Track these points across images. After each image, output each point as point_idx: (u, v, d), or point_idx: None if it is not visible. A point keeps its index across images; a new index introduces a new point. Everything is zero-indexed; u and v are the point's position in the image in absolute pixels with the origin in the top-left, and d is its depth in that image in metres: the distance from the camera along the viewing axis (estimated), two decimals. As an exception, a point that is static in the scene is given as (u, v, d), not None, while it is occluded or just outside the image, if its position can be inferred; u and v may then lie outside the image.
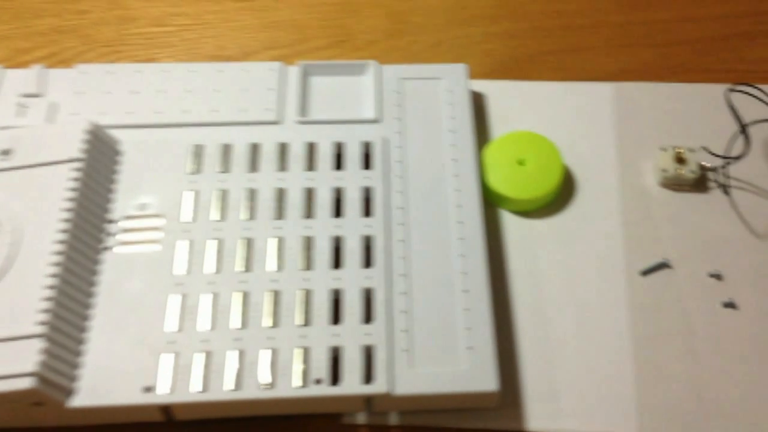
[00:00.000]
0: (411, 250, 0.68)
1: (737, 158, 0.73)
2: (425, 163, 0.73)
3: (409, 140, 0.75)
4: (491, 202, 0.76)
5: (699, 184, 0.76)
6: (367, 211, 0.70)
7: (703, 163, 0.76)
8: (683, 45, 0.85)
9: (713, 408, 0.65)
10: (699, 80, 0.82)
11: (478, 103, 0.81)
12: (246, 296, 0.65)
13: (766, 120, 0.72)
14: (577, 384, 0.65)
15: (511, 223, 0.75)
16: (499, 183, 0.74)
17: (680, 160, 0.75)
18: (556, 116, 0.81)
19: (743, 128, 0.71)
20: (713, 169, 0.76)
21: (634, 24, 0.86)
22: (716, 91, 0.76)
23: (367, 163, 0.73)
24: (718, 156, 0.73)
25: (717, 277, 0.71)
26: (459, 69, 0.80)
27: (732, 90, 0.73)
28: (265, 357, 0.62)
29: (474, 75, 0.82)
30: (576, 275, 0.71)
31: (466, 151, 0.74)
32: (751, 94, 0.74)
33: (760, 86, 0.75)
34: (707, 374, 0.66)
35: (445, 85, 0.78)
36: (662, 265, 0.72)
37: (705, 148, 0.76)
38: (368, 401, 0.62)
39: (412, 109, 0.77)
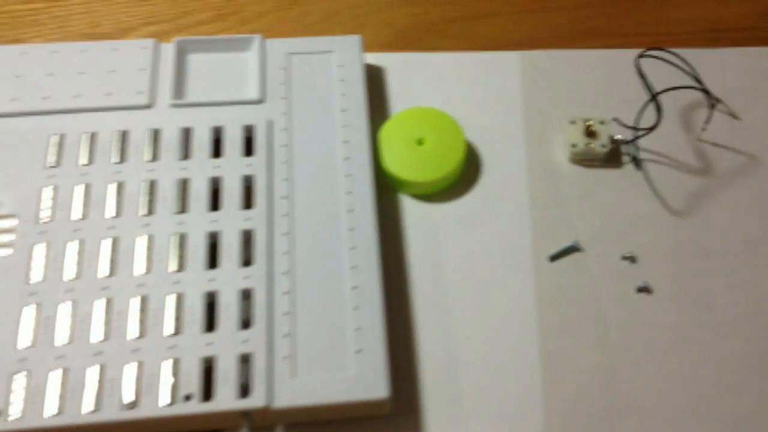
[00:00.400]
0: (296, 244, 0.62)
1: (650, 129, 0.67)
2: (313, 147, 0.67)
3: (296, 122, 0.68)
4: (390, 186, 0.69)
5: (611, 158, 0.70)
6: (248, 203, 0.64)
7: (615, 136, 0.71)
8: (596, 7, 0.79)
9: (625, 401, 0.60)
10: (613, 45, 0.77)
11: (376, 78, 0.75)
12: (109, 304, 0.58)
13: (677, 88, 0.66)
14: (479, 384, 0.60)
15: (411, 208, 0.69)
16: (395, 165, 0.68)
17: (590, 133, 0.70)
18: (460, 90, 0.74)
19: (653, 97, 0.66)
20: (626, 142, 0.70)
21: (543, -14, 0.80)
22: (629, 57, 0.70)
23: (249, 149, 0.67)
24: (630, 128, 0.68)
25: (630, 259, 0.66)
26: (352, 41, 0.73)
27: (642, 56, 0.67)
28: (129, 372, 0.55)
29: (372, 47, 0.76)
30: (480, 263, 0.66)
31: (359, 131, 0.68)
32: (663, 59, 0.69)
33: (674, 50, 0.70)
34: (619, 365, 0.61)
35: (337, 59, 0.72)
36: (572, 249, 0.66)
37: (617, 120, 0.70)
38: (248, 416, 0.56)
39: (301, 87, 0.70)
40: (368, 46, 0.76)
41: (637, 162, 0.68)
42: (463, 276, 0.65)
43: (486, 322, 0.63)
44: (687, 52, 0.71)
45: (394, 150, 0.69)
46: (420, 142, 0.69)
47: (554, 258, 0.66)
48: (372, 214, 0.63)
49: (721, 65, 0.75)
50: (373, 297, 0.60)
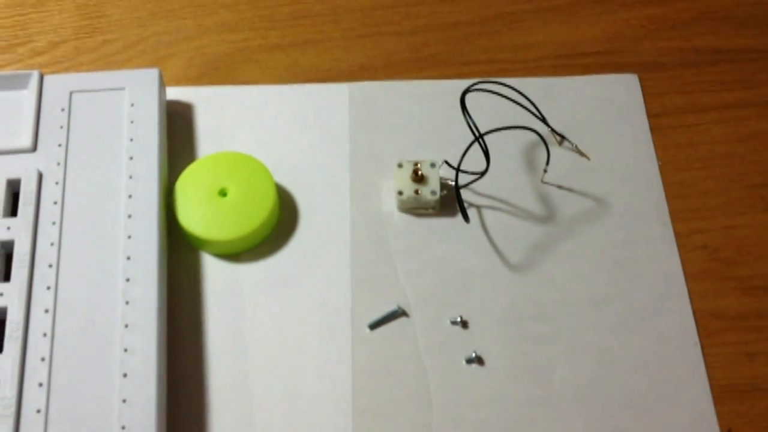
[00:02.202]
0: (57, 322, 0.52)
1: (480, 175, 0.59)
2: (91, 203, 0.57)
3: (73, 174, 0.58)
4: (190, 245, 0.60)
5: (446, 205, 0.62)
6: (7, 274, 0.53)
7: (447, 180, 0.62)
8: (435, 32, 0.71)
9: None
10: (452, 75, 0.68)
11: (182, 117, 0.65)
12: None
13: (504, 128, 0.58)
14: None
15: (213, 270, 0.59)
16: (192, 222, 0.58)
17: (419, 178, 0.61)
18: (278, 128, 0.66)
19: (477, 139, 0.57)
20: (457, 189, 0.61)
21: (377, 8, 0.71)
22: (462, 87, 0.61)
23: (14, 208, 0.56)
24: (457, 171, 0.59)
25: (461, 324, 0.57)
26: (150, 75, 0.63)
27: (470, 90, 0.59)
28: None
29: (180, 80, 0.66)
30: (291, 333, 0.57)
31: (148, 183, 0.58)
32: (496, 93, 0.61)
33: (513, 79, 0.62)
34: (443, 454, 0.52)
35: (130, 97, 0.62)
36: (395, 314, 0.58)
37: (447, 162, 0.62)
38: None
39: (82, 131, 0.60)
40: (176, 79, 0.66)
41: (464, 213, 0.60)
42: (271, 349, 0.56)
43: (294, 404, 0.55)
44: (532, 82, 0.63)
45: (192, 203, 0.59)
46: (223, 193, 0.60)
47: (375, 325, 0.57)
48: (155, 283, 0.54)
49: (570, 95, 0.67)
50: (149, 385, 0.51)
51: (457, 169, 0.59)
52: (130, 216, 0.57)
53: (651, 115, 0.67)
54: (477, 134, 0.57)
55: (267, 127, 0.66)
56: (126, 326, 0.53)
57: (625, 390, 0.55)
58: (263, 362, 0.56)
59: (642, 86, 0.68)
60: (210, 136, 0.65)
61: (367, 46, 0.71)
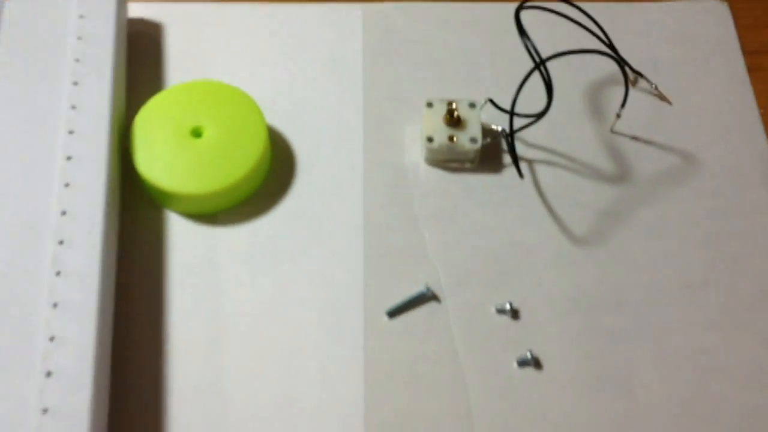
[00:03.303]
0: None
1: (538, 117, 0.44)
2: (20, 138, 0.43)
3: (-3, 100, 0.43)
4: (152, 201, 0.45)
5: (486, 159, 0.47)
6: None
7: (490, 125, 0.47)
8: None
9: None
10: None
11: (149, 39, 0.52)
12: None
13: (575, 52, 0.43)
14: None
15: (183, 234, 0.45)
16: (154, 170, 0.44)
17: (455, 121, 0.46)
18: (273, 58, 0.52)
19: (538, 65, 0.42)
20: (506, 135, 0.46)
21: None
22: (507, 12, 0.45)
23: None
24: (509, 113, 0.44)
25: (510, 313, 0.42)
26: (105, -19, 0.48)
27: (524, 7, 0.44)
28: None
29: None
30: (286, 321, 0.43)
31: (97, 117, 0.44)
32: (557, 13, 0.46)
33: (575, 3, 0.47)
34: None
35: (78, 6, 0.47)
36: (422, 298, 0.43)
37: (492, 102, 0.47)
38: None
39: (14, 47, 0.47)
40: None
41: (518, 166, 0.45)
42: (257, 343, 0.42)
43: (286, 419, 0.41)
44: (597, 7, 0.48)
45: (155, 145, 0.44)
46: (196, 134, 0.45)
47: (395, 312, 0.42)
48: (98, 249, 0.41)
49: (645, 25, 0.53)
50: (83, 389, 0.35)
51: (513, 106, 0.44)
52: (69, 158, 0.42)
53: (747, 53, 0.52)
54: (538, 59, 0.42)
55: (258, 56, 0.51)
56: (54, 305, 0.38)
57: (731, 405, 0.40)
58: (246, 361, 0.41)
59: (734, 17, 0.53)
60: (183, 63, 0.51)
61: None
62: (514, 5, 0.44)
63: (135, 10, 0.52)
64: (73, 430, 0.36)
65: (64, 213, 0.41)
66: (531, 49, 0.43)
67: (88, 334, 0.38)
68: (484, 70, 0.51)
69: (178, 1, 0.54)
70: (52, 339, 0.38)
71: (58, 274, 0.40)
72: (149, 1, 0.53)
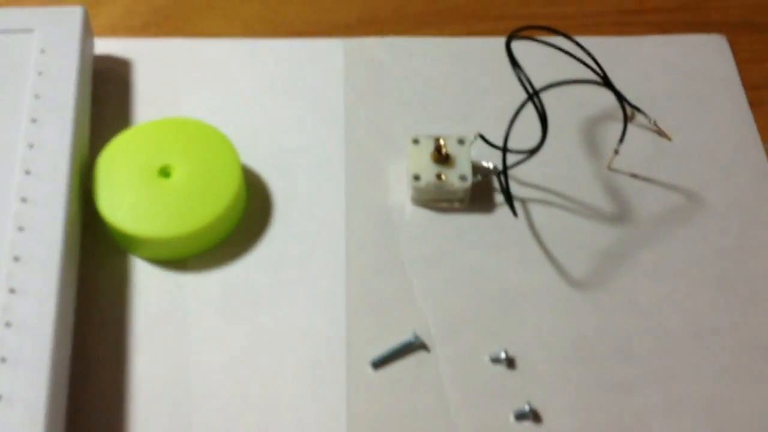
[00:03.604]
0: None
1: (531, 153, 0.41)
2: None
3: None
4: (117, 246, 0.41)
5: (478, 197, 0.43)
6: None
7: (481, 162, 0.44)
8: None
9: None
10: (483, 32, 0.50)
11: (117, 77, 0.48)
12: None
13: (569, 82, 0.40)
14: None
15: (149, 282, 0.41)
16: (118, 213, 0.40)
17: (443, 158, 0.43)
18: (248, 94, 0.49)
19: (531, 97, 0.39)
20: (498, 173, 0.43)
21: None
22: (497, 45, 0.43)
23: None
24: (503, 148, 0.41)
25: (506, 362, 0.39)
26: (69, 15, 0.47)
27: (515, 37, 0.41)
28: None
29: (116, 30, 0.48)
30: (260, 374, 0.40)
31: (56, 156, 0.41)
32: (551, 45, 0.44)
33: (542, 38, 0.44)
34: None
35: (39, 41, 0.44)
36: (409, 347, 0.39)
37: (482, 137, 0.43)
38: None
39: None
40: (111, 28, 0.49)
41: (511, 203, 0.42)
42: (229, 397, 0.38)
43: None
44: (591, 41, 0.45)
45: (119, 186, 0.41)
46: (165, 173, 0.41)
47: (380, 363, 0.39)
48: (52, 300, 0.38)
49: (641, 59, 0.50)
50: None
51: (506, 140, 0.41)
52: (24, 200, 0.38)
53: (748, 87, 0.49)
54: (531, 90, 0.39)
55: (232, 93, 0.48)
56: (3, 360, 0.34)
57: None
58: (216, 421, 0.37)
59: (733, 51, 0.50)
60: (154, 102, 0.47)
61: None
62: (503, 40, 0.41)
63: (102, 47, 0.49)
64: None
65: (16, 259, 0.38)
66: (524, 80, 0.40)
67: (40, 394, 0.34)
68: (473, 106, 0.48)
69: (149, 37, 0.51)
70: (-2, 397, 0.34)
71: (7, 325, 0.36)
72: (117, 37, 0.50)
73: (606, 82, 0.43)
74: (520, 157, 0.43)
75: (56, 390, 0.35)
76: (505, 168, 0.42)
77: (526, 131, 0.41)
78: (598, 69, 0.44)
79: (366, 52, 0.50)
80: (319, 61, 0.50)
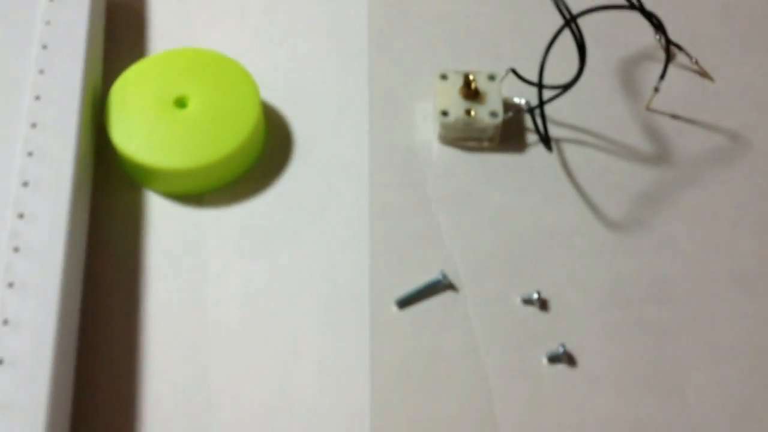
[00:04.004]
0: None
1: (566, 87, 0.39)
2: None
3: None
4: (129, 179, 0.39)
5: (508, 136, 0.42)
6: None
7: (512, 98, 0.42)
8: None
9: None
10: None
11: (132, 12, 0.46)
12: None
13: (610, 7, 0.37)
14: None
15: (164, 216, 0.40)
16: (131, 143, 0.38)
17: (473, 93, 0.41)
18: (268, 29, 0.47)
19: (568, 22, 0.37)
20: (531, 109, 0.41)
21: None
22: None
23: None
24: (536, 85, 0.38)
25: (538, 303, 0.36)
26: (85, -57, 0.43)
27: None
28: None
29: None
30: (280, 313, 0.38)
31: (67, 82, 0.39)
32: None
33: None
34: None
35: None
36: (436, 287, 0.37)
37: (515, 72, 0.41)
38: None
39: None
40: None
41: (548, 141, 0.40)
42: (247, 337, 0.35)
43: (280, 424, 0.34)
44: None
45: (133, 116, 0.39)
46: (181, 104, 0.39)
47: (406, 302, 0.37)
48: (62, 229, 0.37)
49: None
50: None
51: (542, 68, 0.38)
52: (34, 125, 0.36)
53: (794, 28, 0.46)
54: (568, 16, 0.37)
55: (252, 27, 0.46)
56: (10, 285, 0.32)
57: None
58: (234, 360, 0.36)
59: (777, -9, 0.48)
60: (170, 35, 0.46)
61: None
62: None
63: (118, -19, 0.47)
64: (28, 426, 0.30)
65: (25, 184, 0.36)
66: (560, 4, 0.37)
67: (48, 319, 0.32)
68: (503, 44, 0.46)
69: (166, -27, 0.48)
70: (5, 323, 0.32)
71: (16, 250, 0.34)
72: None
73: (646, 12, 0.40)
74: (554, 93, 0.41)
75: (66, 317, 0.33)
76: (541, 99, 0.40)
77: (562, 67, 0.39)
78: (638, 3, 0.42)
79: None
80: (343, -1, 0.48)
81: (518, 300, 0.38)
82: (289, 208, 0.40)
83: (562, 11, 0.38)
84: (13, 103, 0.38)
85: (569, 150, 0.42)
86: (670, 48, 0.42)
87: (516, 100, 0.43)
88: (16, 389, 0.31)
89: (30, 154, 0.37)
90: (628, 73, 0.45)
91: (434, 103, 0.42)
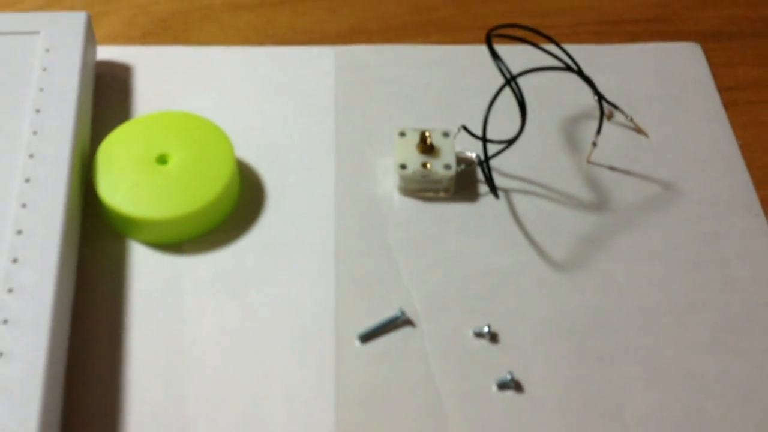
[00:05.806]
0: None
1: (511, 142, 0.43)
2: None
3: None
4: (115, 230, 0.43)
5: (462, 187, 0.45)
6: None
7: (466, 153, 0.46)
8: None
9: None
10: (464, 41, 0.53)
11: (117, 80, 0.51)
12: None
13: (546, 68, 0.42)
14: None
15: (146, 264, 0.43)
16: (116, 196, 0.42)
17: (428, 148, 0.45)
18: (243, 94, 0.51)
19: (508, 81, 0.42)
20: (480, 162, 0.45)
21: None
22: (483, 54, 0.45)
23: None
24: (483, 140, 0.43)
25: (489, 336, 0.40)
26: (73, 20, 0.49)
27: (495, 33, 0.44)
28: None
29: (119, 38, 0.51)
30: (252, 349, 0.41)
31: (59, 142, 0.42)
32: (527, 41, 0.45)
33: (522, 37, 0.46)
34: None
35: (45, 41, 0.46)
36: (395, 322, 0.40)
37: (466, 129, 0.46)
38: None
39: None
40: (112, 38, 0.51)
41: (494, 189, 0.44)
42: (221, 372, 0.39)
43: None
44: (570, 49, 0.47)
45: (118, 172, 0.43)
46: (162, 161, 0.43)
47: (368, 337, 0.40)
48: (52, 276, 0.39)
49: (619, 65, 0.53)
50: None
51: (485, 121, 0.43)
52: (27, 180, 0.40)
53: (722, 89, 0.51)
54: (509, 76, 0.41)
55: (228, 92, 0.50)
56: (5, 322, 0.35)
57: (724, 428, 0.38)
58: (209, 390, 0.39)
59: (707, 56, 0.53)
60: (152, 101, 0.50)
61: (358, 6, 0.56)
62: (485, 47, 0.43)
63: (104, 53, 0.52)
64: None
65: (19, 232, 0.39)
66: (502, 68, 0.42)
67: (39, 353, 0.36)
68: (457, 106, 0.50)
69: (149, 45, 0.53)
70: (0, 355, 0.35)
71: (10, 291, 0.37)
72: (119, 45, 0.53)
73: (582, 75, 0.45)
74: (502, 147, 0.45)
75: (55, 350, 0.36)
76: (486, 152, 0.44)
77: (508, 125, 0.43)
78: (575, 67, 0.47)
79: (355, 58, 0.53)
80: (311, 67, 0.52)
81: (470, 333, 0.41)
82: (261, 253, 0.44)
83: (503, 71, 0.42)
84: (8, 160, 0.42)
85: (517, 198, 0.46)
86: (604, 107, 0.47)
87: (468, 154, 0.48)
88: (7, 414, 0.34)
89: (24, 205, 0.40)
90: (570, 129, 0.49)
91: (394, 157, 0.46)
